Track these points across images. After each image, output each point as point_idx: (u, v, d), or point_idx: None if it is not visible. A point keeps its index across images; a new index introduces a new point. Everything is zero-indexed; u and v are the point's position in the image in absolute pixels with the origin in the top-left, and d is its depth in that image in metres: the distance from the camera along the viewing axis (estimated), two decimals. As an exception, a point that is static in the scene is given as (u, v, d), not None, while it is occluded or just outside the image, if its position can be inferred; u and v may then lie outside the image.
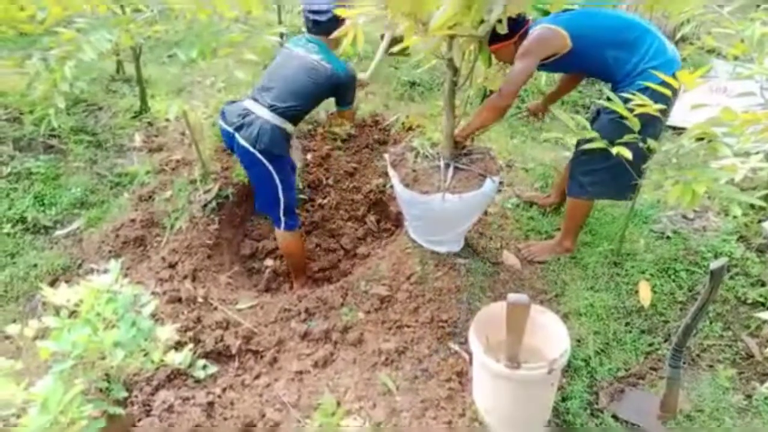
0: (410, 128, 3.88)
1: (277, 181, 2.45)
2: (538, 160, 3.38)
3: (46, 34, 3.22)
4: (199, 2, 3.23)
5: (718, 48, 2.93)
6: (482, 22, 2.05)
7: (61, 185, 3.02)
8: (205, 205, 2.92)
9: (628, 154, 2.02)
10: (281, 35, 3.90)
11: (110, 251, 2.70)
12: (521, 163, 3.37)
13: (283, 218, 2.56)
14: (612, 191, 2.47)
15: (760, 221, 2.63)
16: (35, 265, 2.65)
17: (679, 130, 3.66)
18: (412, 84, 4.47)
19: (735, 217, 2.64)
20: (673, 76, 1.95)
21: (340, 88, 2.48)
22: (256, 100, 2.41)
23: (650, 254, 2.56)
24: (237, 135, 2.37)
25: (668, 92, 1.98)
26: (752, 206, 2.75)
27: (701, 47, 3.22)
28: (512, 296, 1.65)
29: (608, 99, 2.08)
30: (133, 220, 2.81)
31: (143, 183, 3.09)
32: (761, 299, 2.31)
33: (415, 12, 2.04)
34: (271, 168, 2.40)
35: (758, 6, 4.52)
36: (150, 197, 2.99)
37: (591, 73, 2.54)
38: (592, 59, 2.27)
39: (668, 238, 2.69)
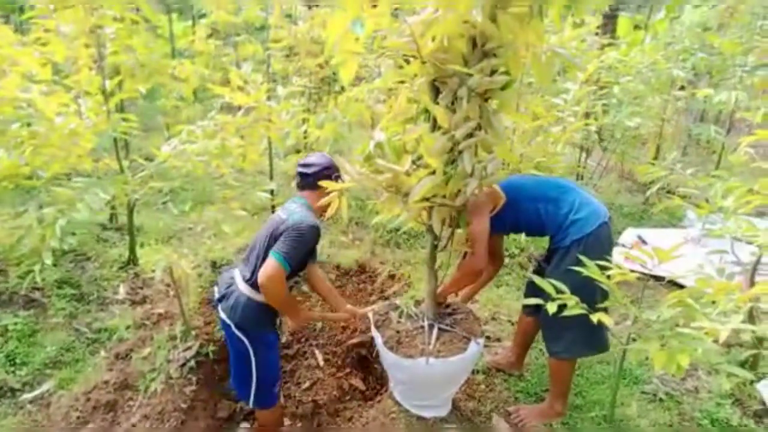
0: (394, 276, 3.92)
1: (252, 357, 2.27)
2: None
3: (44, 189, 3.34)
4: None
5: (689, 199, 3.08)
6: (459, 193, 2.17)
7: (36, 342, 2.93)
8: (184, 364, 2.82)
9: (608, 320, 2.03)
10: (271, 192, 4.07)
11: (78, 417, 2.54)
12: (506, 315, 3.36)
13: (253, 396, 2.34)
14: (593, 345, 2.43)
15: (752, 382, 2.58)
16: (-7, 436, 2.47)
17: (659, 280, 3.73)
18: (397, 230, 4.60)
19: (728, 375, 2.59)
20: (605, 224, 2.30)
21: (284, 233, 2.16)
22: (240, 269, 2.35)
23: (644, 420, 2.46)
24: (219, 306, 2.32)
25: None
26: (742, 364, 2.71)
27: (672, 198, 3.38)
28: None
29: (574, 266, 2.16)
30: (106, 382, 2.69)
31: (122, 339, 3.01)
32: (766, 473, 2.18)
33: (396, 185, 2.16)
34: (246, 343, 2.26)
35: (717, 165, 4.85)
36: (127, 355, 2.89)
37: (528, 228, 2.57)
38: (526, 212, 2.42)
39: (661, 400, 2.60)
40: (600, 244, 2.29)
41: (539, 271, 2.58)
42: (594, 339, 2.40)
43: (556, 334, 2.43)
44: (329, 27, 1.85)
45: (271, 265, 2.09)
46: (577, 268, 2.12)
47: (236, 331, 2.26)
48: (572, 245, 2.30)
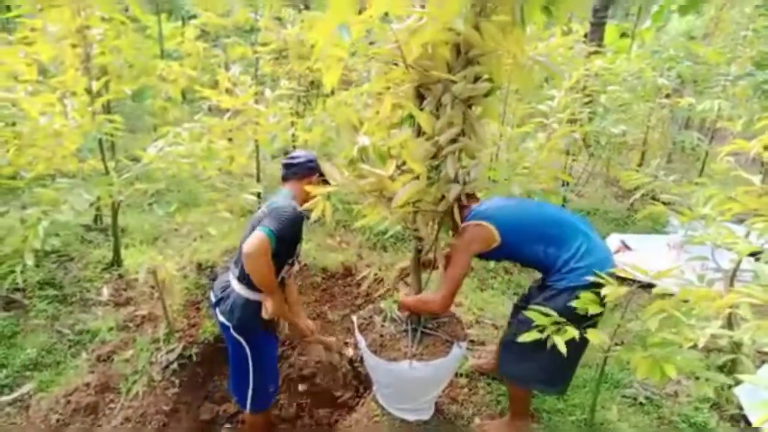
0: (381, 280, 3.92)
1: (250, 359, 2.29)
2: (509, 316, 3.38)
3: (27, 190, 3.31)
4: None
5: (672, 206, 3.11)
6: (443, 198, 2.19)
7: (16, 344, 2.89)
8: (167, 367, 2.81)
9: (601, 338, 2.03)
10: (258, 194, 4.06)
11: (58, 420, 2.52)
12: (491, 318, 3.38)
13: (249, 400, 2.35)
14: (544, 382, 2.34)
15: (730, 386, 2.61)
16: (-32, 440, 2.44)
17: (639, 283, 3.77)
18: (384, 233, 4.61)
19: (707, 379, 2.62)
20: (610, 275, 2.06)
21: (270, 213, 2.15)
22: (232, 270, 2.35)
23: (624, 423, 2.49)
24: (216, 310, 2.31)
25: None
26: (720, 368, 2.75)
27: (656, 204, 3.41)
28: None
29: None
30: (87, 384, 2.67)
31: (104, 341, 2.98)
32: (742, 476, 2.22)
33: (380, 189, 2.17)
34: (245, 344, 2.27)
35: (701, 172, 4.92)
36: (109, 357, 2.87)
37: (523, 264, 2.52)
38: (524, 253, 2.29)
39: (641, 404, 2.63)
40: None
41: (528, 297, 2.45)
42: (551, 377, 2.30)
43: (513, 359, 2.35)
44: (316, 32, 1.86)
45: (256, 236, 2.05)
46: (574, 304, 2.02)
47: (234, 333, 2.27)
48: (565, 290, 2.14)
